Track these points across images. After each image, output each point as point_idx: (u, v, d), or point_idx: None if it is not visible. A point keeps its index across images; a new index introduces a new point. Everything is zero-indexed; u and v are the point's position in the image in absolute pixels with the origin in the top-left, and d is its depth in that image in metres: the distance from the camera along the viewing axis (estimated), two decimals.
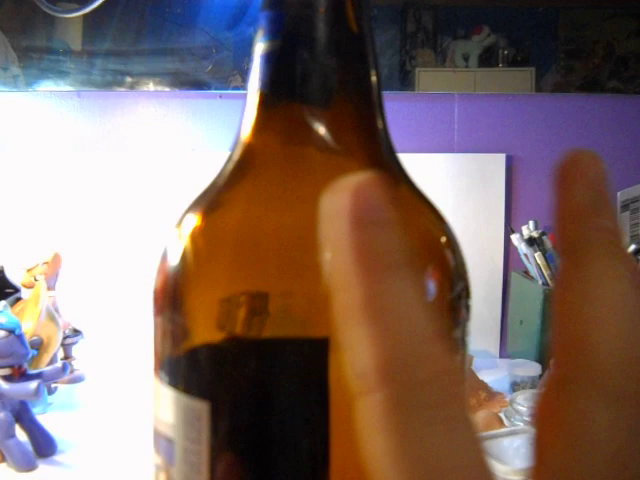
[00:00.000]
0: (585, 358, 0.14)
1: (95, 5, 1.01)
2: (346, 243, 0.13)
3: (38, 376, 0.67)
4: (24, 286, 0.90)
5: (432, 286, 0.19)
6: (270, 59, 0.20)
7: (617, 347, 0.14)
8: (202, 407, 0.18)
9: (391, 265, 0.13)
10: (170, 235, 0.20)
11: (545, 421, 0.15)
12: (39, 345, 0.81)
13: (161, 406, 0.19)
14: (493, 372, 0.93)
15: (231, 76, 1.15)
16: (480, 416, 0.72)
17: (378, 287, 0.13)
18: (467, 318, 0.20)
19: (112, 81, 1.15)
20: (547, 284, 0.95)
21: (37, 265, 0.91)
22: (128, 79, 1.15)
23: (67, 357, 0.93)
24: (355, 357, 0.13)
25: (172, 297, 0.19)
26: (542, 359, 0.89)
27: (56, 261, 0.93)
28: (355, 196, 0.13)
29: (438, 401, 0.13)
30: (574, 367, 0.14)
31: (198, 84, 1.16)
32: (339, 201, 0.14)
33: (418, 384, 0.13)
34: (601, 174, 0.16)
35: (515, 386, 0.87)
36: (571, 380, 0.14)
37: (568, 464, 0.14)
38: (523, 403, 0.73)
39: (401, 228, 0.14)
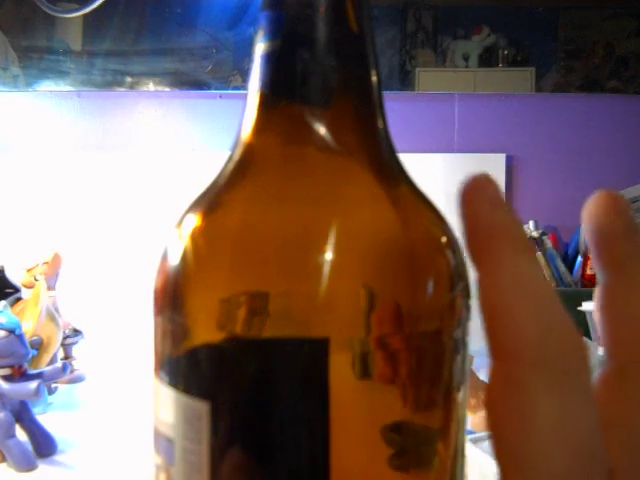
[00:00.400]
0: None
1: (95, 5, 1.01)
2: (495, 227, 0.16)
3: (38, 376, 0.67)
4: (24, 286, 0.90)
5: (432, 286, 0.19)
6: (270, 59, 0.20)
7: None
8: (202, 407, 0.18)
9: (525, 244, 0.16)
10: (170, 235, 0.20)
11: (607, 406, 0.17)
12: (39, 345, 0.81)
13: (161, 406, 0.19)
14: None
15: (231, 76, 1.15)
16: (480, 416, 0.72)
17: (522, 262, 0.16)
18: (467, 318, 0.20)
19: (112, 81, 1.15)
20: None
21: (37, 265, 0.91)
22: (128, 79, 1.15)
23: (67, 357, 0.93)
24: (490, 319, 0.16)
25: (172, 297, 0.19)
26: None
27: (56, 261, 0.93)
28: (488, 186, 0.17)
29: (575, 370, 0.15)
30: (631, 360, 0.17)
31: (198, 84, 1.16)
32: (484, 183, 0.17)
33: (558, 354, 0.15)
34: (628, 206, 0.19)
35: None
36: (630, 371, 0.17)
37: (630, 441, 0.16)
38: None
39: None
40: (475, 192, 0.18)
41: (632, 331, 0.17)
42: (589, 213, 0.19)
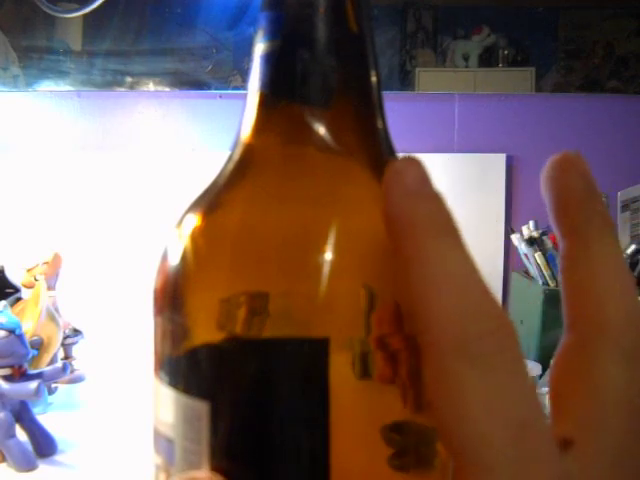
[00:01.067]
0: (601, 323, 0.17)
1: (95, 5, 1.01)
2: (409, 214, 0.16)
3: (38, 376, 0.67)
4: (24, 286, 0.90)
5: None
6: (270, 59, 0.20)
7: (627, 313, 0.17)
8: (202, 407, 0.18)
9: (448, 228, 0.16)
10: (170, 235, 0.20)
11: (565, 378, 0.17)
12: (39, 345, 0.81)
13: (161, 406, 0.19)
14: None
15: (231, 76, 1.15)
16: None
17: (439, 248, 0.15)
18: None
19: (112, 81, 1.15)
20: (547, 284, 0.95)
21: (37, 265, 0.91)
22: (128, 79, 1.15)
23: (67, 357, 0.93)
24: (412, 307, 0.15)
25: (172, 297, 0.19)
26: (542, 359, 0.89)
27: (56, 261, 0.93)
28: (419, 165, 0.16)
29: (496, 349, 0.15)
30: (591, 331, 0.17)
31: (198, 84, 1.16)
32: (406, 167, 0.16)
33: (479, 335, 0.15)
34: (588, 169, 0.19)
35: None
36: (589, 343, 0.17)
37: (589, 411, 0.16)
38: None
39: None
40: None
41: (592, 305, 0.17)
42: (546, 176, 0.18)
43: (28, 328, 0.78)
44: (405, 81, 1.17)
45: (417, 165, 0.17)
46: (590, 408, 0.16)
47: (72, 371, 0.89)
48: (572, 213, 0.18)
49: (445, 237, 0.16)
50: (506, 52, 1.17)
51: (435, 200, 0.16)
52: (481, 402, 0.15)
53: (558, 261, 0.18)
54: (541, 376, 0.88)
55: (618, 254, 0.18)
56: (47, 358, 0.82)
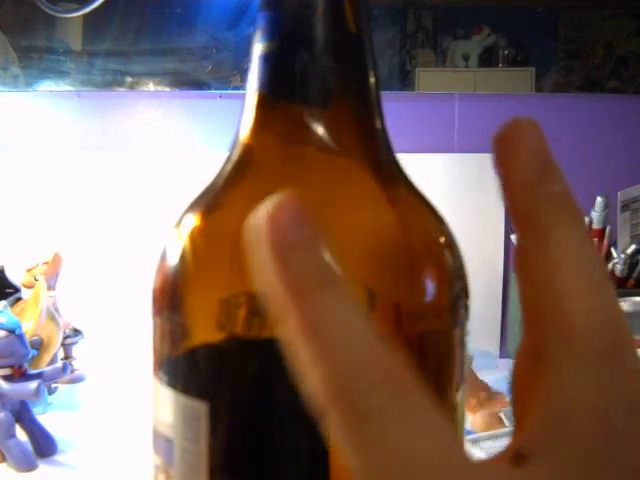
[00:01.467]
0: (558, 326, 0.14)
1: (95, 5, 1.01)
2: (270, 271, 0.14)
3: (38, 376, 0.67)
4: (24, 286, 0.90)
5: (431, 287, 0.19)
6: (268, 60, 0.20)
7: (587, 312, 0.14)
8: (201, 407, 0.18)
9: (317, 283, 0.14)
10: (169, 235, 0.20)
11: (525, 390, 0.15)
12: (39, 345, 0.81)
13: (160, 406, 0.19)
14: (493, 372, 0.93)
15: (231, 76, 1.15)
16: (480, 416, 0.72)
17: (308, 308, 0.14)
18: (466, 318, 0.20)
19: (112, 81, 1.15)
20: None
21: (37, 265, 0.91)
22: (128, 79, 1.15)
23: (67, 357, 0.93)
24: (305, 381, 0.14)
25: (171, 297, 0.19)
26: None
27: (56, 261, 0.93)
28: (269, 222, 0.14)
29: (389, 401, 0.13)
30: (549, 335, 0.15)
31: (198, 84, 1.16)
32: (256, 231, 0.14)
33: (365, 391, 0.13)
34: (543, 140, 0.16)
35: None
36: (547, 348, 0.15)
37: (554, 422, 0.14)
38: None
39: (320, 242, 0.14)
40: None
41: (551, 306, 0.15)
42: (497, 147, 0.16)
43: (28, 328, 0.78)
44: (405, 81, 1.16)
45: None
46: (555, 419, 0.14)
47: (72, 371, 0.89)
48: (522, 199, 0.15)
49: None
50: (506, 52, 1.17)
51: (310, 247, 0.14)
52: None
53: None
54: None
55: (581, 242, 0.15)
56: (47, 358, 0.82)
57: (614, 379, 0.14)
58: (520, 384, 0.16)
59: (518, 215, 0.16)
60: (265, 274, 0.14)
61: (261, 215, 0.14)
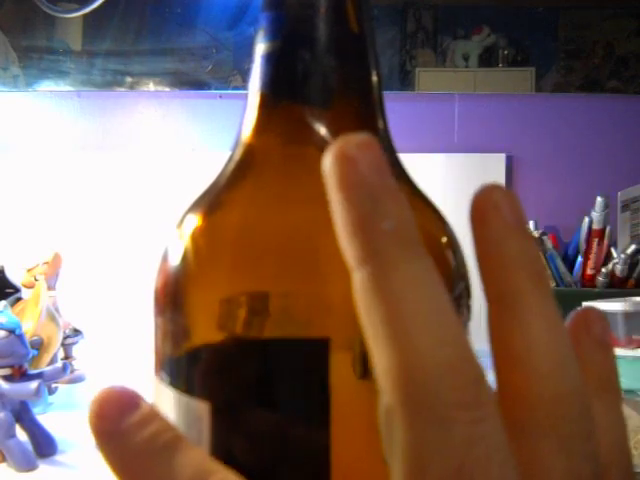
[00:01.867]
0: (530, 408, 0.14)
1: (95, 5, 1.01)
2: (354, 219, 0.13)
3: (38, 376, 0.67)
4: (24, 286, 0.90)
5: None
6: (271, 60, 0.20)
7: (557, 393, 0.14)
8: (203, 407, 0.18)
9: (407, 242, 0.13)
10: (171, 235, 0.20)
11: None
12: (39, 345, 0.81)
13: (162, 406, 0.19)
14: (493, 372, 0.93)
15: (231, 76, 1.15)
16: None
17: (400, 268, 0.13)
18: (468, 318, 0.20)
19: (112, 81, 1.15)
20: None
21: (37, 265, 0.91)
22: (128, 79, 1.15)
23: (67, 357, 0.93)
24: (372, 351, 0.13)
25: (173, 297, 0.19)
26: None
27: (56, 261, 0.93)
28: (353, 163, 0.13)
29: (473, 416, 0.13)
30: (521, 414, 0.14)
31: (198, 84, 1.16)
32: (339, 170, 0.13)
33: (445, 393, 0.13)
34: (516, 209, 0.15)
35: None
36: (521, 426, 0.14)
37: None
38: None
39: (403, 197, 0.14)
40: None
41: (522, 381, 0.15)
42: (473, 219, 0.16)
43: (28, 328, 0.78)
44: (405, 81, 1.17)
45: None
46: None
47: (72, 371, 0.89)
48: (498, 277, 0.15)
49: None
50: (506, 52, 1.17)
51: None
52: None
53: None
54: None
55: (549, 318, 0.15)
56: (47, 358, 0.82)
57: (584, 451, 0.14)
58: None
59: (492, 291, 0.15)
60: (358, 207, 0.13)
61: (342, 151, 0.13)
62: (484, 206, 0.15)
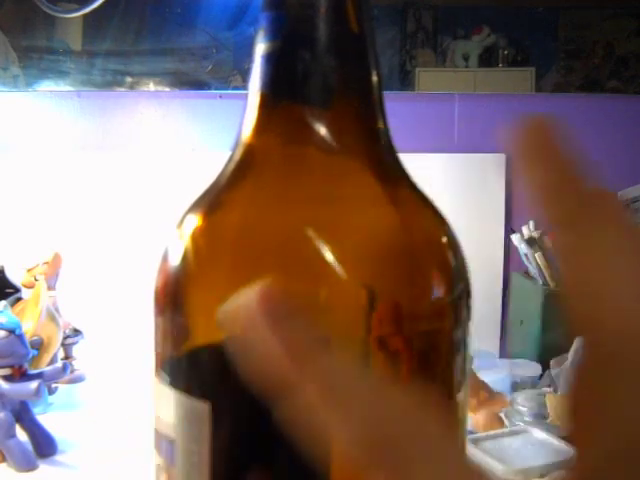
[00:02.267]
0: (620, 335, 0.14)
1: (95, 5, 1.01)
2: (273, 344, 0.14)
3: (38, 376, 0.67)
4: (24, 286, 0.90)
5: (433, 287, 0.19)
6: (271, 60, 0.20)
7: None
8: (203, 407, 0.18)
9: (319, 347, 0.15)
10: (171, 235, 0.20)
11: (585, 406, 0.15)
12: (39, 345, 0.81)
13: (162, 406, 0.19)
14: (493, 372, 0.93)
15: (231, 76, 1.15)
16: (480, 416, 0.72)
17: (324, 373, 0.14)
18: (468, 318, 0.20)
19: (112, 81, 1.15)
20: (547, 284, 0.95)
21: (37, 265, 0.91)
22: (128, 79, 1.15)
23: (67, 357, 0.93)
24: (332, 441, 0.15)
25: (173, 297, 0.19)
26: (542, 359, 0.89)
27: (56, 261, 0.93)
28: (261, 300, 0.15)
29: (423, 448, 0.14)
30: (609, 347, 0.14)
31: (198, 84, 1.16)
32: (247, 311, 0.15)
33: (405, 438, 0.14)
34: (566, 135, 0.16)
35: (515, 386, 0.87)
36: (607, 363, 0.14)
37: (615, 460, 0.14)
38: (523, 403, 0.73)
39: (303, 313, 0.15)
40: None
41: (605, 311, 0.14)
42: (521, 162, 0.16)
43: (28, 328, 0.78)
44: (405, 81, 1.16)
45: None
46: (618, 454, 0.14)
47: (72, 371, 0.88)
48: (563, 199, 0.15)
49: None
50: (506, 52, 1.17)
51: (300, 316, 0.15)
52: None
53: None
54: (541, 376, 0.88)
55: (622, 243, 0.15)
56: (47, 358, 0.82)
57: None
58: (581, 403, 0.15)
59: (556, 218, 0.16)
60: (267, 350, 0.14)
61: (248, 298, 0.15)
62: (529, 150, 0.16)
